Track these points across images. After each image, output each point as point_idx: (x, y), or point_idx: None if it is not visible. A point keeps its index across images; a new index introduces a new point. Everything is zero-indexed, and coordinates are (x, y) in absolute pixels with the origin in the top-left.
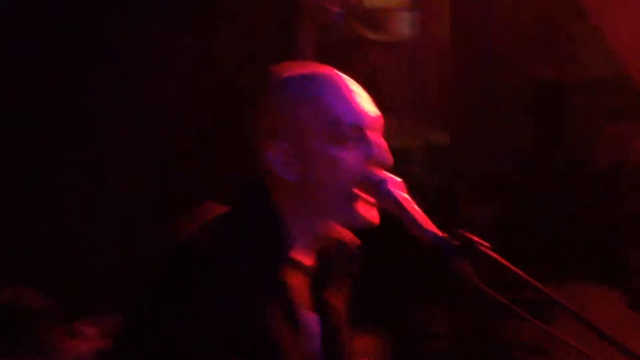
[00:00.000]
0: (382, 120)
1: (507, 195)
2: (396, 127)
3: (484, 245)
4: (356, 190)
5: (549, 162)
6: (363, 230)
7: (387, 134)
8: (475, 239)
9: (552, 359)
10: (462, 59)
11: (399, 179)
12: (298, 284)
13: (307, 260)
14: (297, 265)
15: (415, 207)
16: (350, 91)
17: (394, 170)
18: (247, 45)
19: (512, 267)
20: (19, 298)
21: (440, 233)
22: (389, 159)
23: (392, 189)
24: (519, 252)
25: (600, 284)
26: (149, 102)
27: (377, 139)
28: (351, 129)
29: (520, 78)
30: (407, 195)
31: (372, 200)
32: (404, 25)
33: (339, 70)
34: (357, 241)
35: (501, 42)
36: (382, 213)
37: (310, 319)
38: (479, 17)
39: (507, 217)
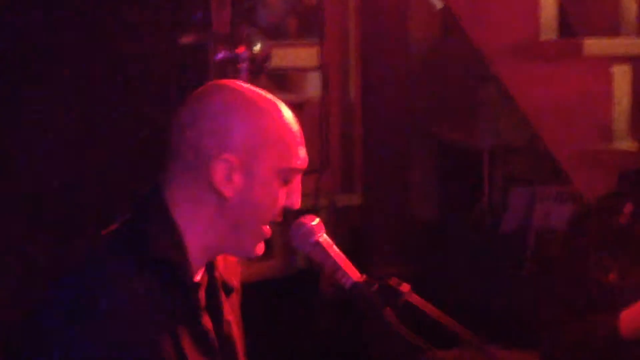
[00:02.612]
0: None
1: (416, 257)
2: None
3: (402, 288)
4: (265, 227)
5: (456, 225)
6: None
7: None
8: (394, 282)
9: None
10: (370, 118)
11: (317, 219)
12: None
13: (198, 275)
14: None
15: (337, 250)
16: (299, 134)
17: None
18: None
19: (432, 309)
20: None
21: (360, 277)
22: (298, 205)
23: (320, 237)
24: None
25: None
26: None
27: (299, 184)
28: (294, 173)
29: (429, 140)
30: (329, 239)
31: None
32: (312, 85)
33: None
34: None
35: (411, 104)
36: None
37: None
38: (389, 78)
39: (416, 278)
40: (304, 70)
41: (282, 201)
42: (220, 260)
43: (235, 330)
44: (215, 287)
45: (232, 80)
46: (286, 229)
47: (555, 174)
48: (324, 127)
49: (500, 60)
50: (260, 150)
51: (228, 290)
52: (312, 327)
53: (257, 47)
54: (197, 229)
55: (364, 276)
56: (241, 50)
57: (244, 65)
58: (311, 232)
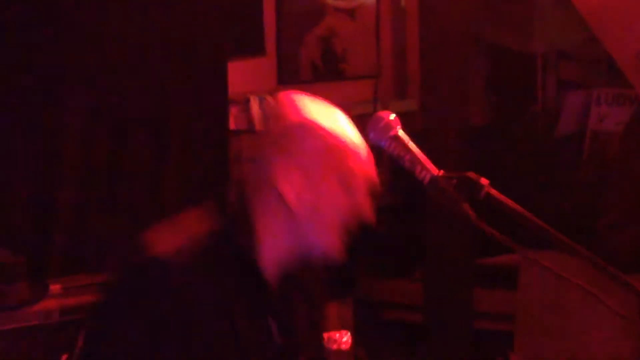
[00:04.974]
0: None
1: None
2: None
3: (482, 183)
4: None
5: (510, 129)
6: None
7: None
8: (474, 176)
9: (519, 326)
10: (426, 25)
11: (393, 114)
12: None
13: (272, 276)
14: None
15: (415, 147)
16: (365, 157)
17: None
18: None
19: (511, 203)
20: None
21: (438, 172)
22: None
23: (398, 131)
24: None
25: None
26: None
27: (370, 203)
28: (356, 180)
29: (484, 45)
30: (405, 135)
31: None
32: None
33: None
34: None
35: (466, 10)
36: None
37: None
38: None
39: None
40: None
41: (350, 210)
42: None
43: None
44: (289, 289)
45: (309, 110)
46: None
47: (611, 76)
48: (377, 33)
49: None
50: (322, 160)
51: (303, 294)
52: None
53: None
54: (273, 235)
55: (442, 171)
56: None
57: None
58: (389, 125)
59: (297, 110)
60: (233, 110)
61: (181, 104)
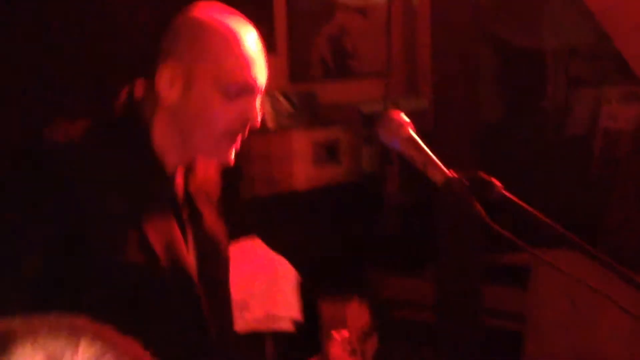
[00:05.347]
0: (263, 86)
1: (482, 159)
2: (372, 90)
3: (495, 183)
4: (220, 137)
5: (521, 127)
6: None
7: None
8: (486, 177)
9: (529, 325)
10: (436, 22)
11: (404, 115)
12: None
13: (178, 176)
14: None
15: (426, 147)
16: (250, 52)
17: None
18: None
19: (524, 205)
20: None
21: (449, 172)
22: (256, 123)
23: (410, 131)
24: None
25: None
26: None
27: (253, 104)
28: (235, 87)
29: (494, 43)
30: (416, 136)
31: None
32: None
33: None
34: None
35: (477, 6)
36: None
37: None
38: None
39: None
40: None
41: (233, 115)
42: (200, 172)
43: (217, 234)
44: (194, 190)
45: (217, 3)
46: (352, 135)
47: (622, 74)
48: (387, 31)
49: None
50: (201, 63)
51: (207, 196)
52: (379, 231)
53: None
54: (162, 132)
55: (453, 171)
56: None
57: None
58: (401, 126)
59: (194, 10)
60: None
61: None
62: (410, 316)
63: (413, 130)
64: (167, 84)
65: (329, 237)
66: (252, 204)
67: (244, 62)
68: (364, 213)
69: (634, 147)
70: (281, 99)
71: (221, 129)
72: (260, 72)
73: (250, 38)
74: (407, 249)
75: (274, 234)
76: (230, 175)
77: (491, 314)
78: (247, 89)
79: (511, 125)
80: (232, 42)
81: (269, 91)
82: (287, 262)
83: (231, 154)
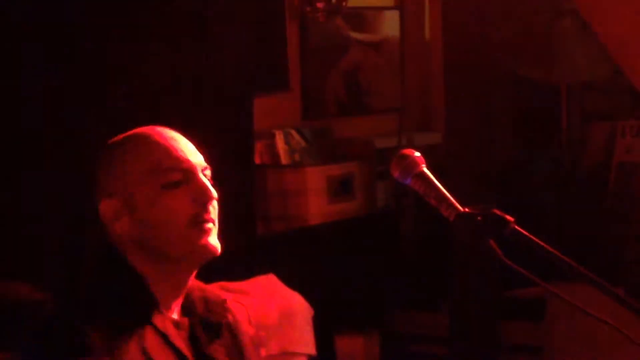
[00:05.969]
0: (202, 162)
1: (497, 194)
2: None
3: (508, 220)
4: (188, 228)
5: (535, 161)
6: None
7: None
8: (500, 213)
9: (546, 358)
10: (450, 57)
11: (418, 152)
12: (174, 337)
13: (175, 314)
14: (167, 320)
15: (439, 183)
16: (166, 139)
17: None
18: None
19: (537, 241)
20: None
21: (462, 209)
22: (211, 195)
23: (423, 168)
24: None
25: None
26: None
27: (198, 180)
28: (171, 173)
29: (508, 78)
30: (430, 173)
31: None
32: (389, 24)
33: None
34: (222, 296)
35: (490, 42)
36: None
37: None
38: (469, 16)
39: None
40: (381, 9)
41: (187, 200)
42: (200, 303)
43: None
44: (197, 326)
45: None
46: (365, 170)
47: (637, 108)
48: (401, 67)
49: None
50: (134, 176)
51: (214, 329)
52: (394, 265)
53: None
54: (145, 266)
55: (465, 208)
56: None
57: (320, 5)
58: (415, 163)
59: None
60: (258, 146)
61: (208, 139)
62: (425, 350)
63: (426, 167)
64: (113, 217)
65: (344, 272)
66: (268, 240)
67: (170, 146)
68: (379, 247)
69: None
70: (295, 134)
71: (183, 219)
72: (190, 153)
73: (166, 130)
74: (422, 283)
75: (290, 270)
76: (245, 212)
77: (508, 349)
78: (185, 168)
79: (526, 159)
80: (151, 136)
81: (283, 128)
82: (301, 297)
83: (209, 241)
